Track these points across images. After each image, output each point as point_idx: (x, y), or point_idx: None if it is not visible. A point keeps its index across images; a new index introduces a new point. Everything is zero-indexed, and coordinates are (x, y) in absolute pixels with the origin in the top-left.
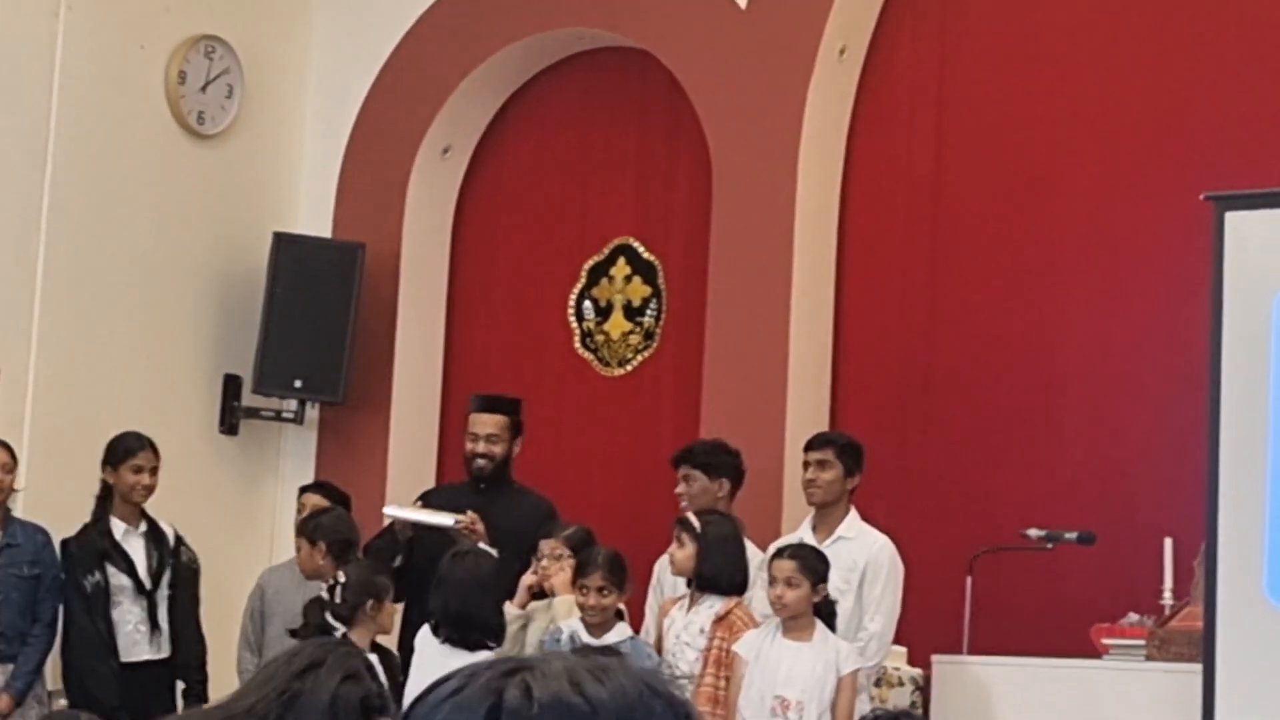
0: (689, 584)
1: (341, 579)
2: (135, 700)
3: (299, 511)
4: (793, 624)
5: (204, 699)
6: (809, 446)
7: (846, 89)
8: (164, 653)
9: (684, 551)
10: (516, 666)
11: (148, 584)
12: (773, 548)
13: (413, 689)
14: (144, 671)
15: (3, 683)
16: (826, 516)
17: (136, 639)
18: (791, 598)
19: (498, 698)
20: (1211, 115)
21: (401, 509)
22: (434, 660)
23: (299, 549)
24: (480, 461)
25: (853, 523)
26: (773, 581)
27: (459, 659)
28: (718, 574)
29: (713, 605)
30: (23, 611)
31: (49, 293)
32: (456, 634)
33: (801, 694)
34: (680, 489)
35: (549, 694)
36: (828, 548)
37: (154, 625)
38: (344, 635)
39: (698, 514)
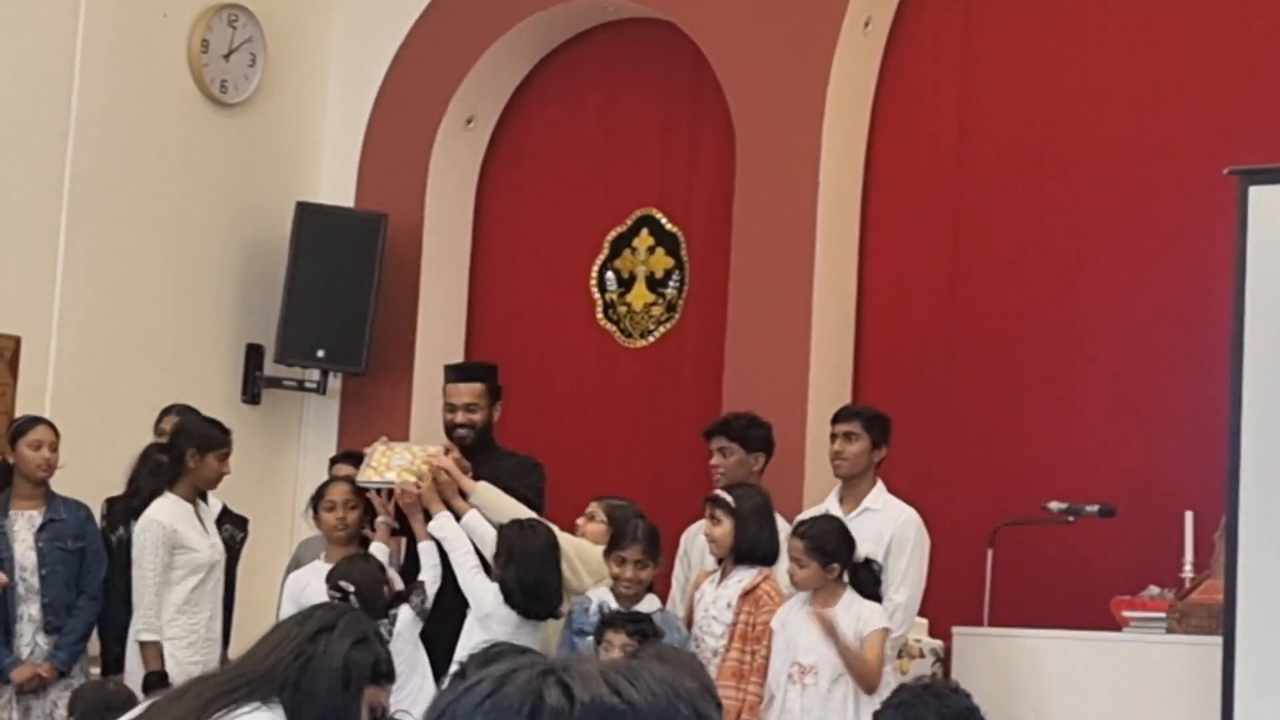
0: (719, 560)
1: (349, 588)
2: None
3: (328, 484)
4: (816, 596)
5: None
6: (836, 419)
7: (871, 61)
8: None
9: (722, 528)
10: (550, 667)
11: None
12: (798, 520)
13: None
14: None
15: (48, 653)
16: (853, 488)
17: None
18: (800, 576)
19: (538, 698)
20: (1237, 89)
21: (371, 474)
22: (503, 630)
23: (355, 506)
24: (461, 431)
25: (879, 494)
26: (790, 558)
27: (527, 630)
28: (754, 545)
29: (741, 579)
30: (68, 584)
31: (71, 262)
32: (527, 605)
33: (817, 659)
34: (716, 461)
35: (589, 695)
36: (854, 519)
37: None
38: None
39: (727, 489)
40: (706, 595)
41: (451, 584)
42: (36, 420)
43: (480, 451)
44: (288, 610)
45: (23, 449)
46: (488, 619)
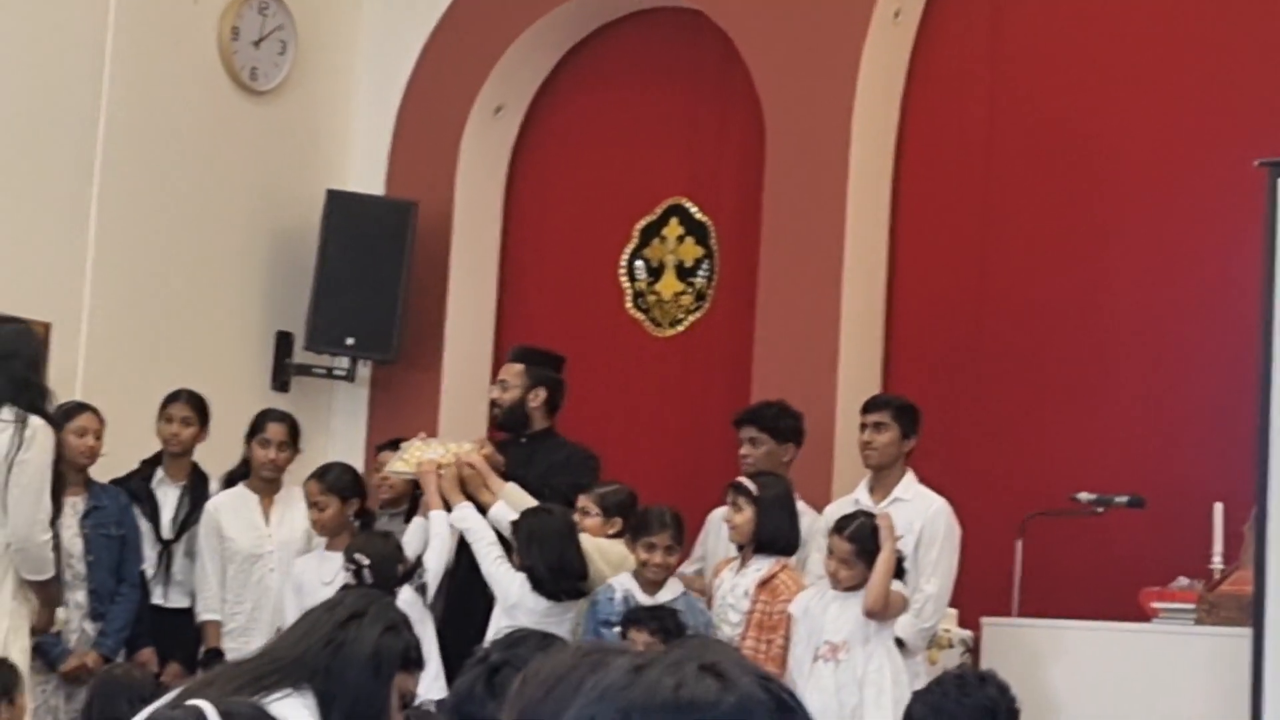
0: (739, 547)
1: (364, 561)
2: (165, 641)
3: (376, 470)
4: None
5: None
6: (866, 409)
7: (901, 51)
8: (173, 603)
9: (742, 515)
10: (686, 655)
11: (168, 534)
12: (832, 509)
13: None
14: (164, 616)
15: (94, 640)
16: (883, 478)
17: (152, 585)
18: (845, 576)
19: (689, 690)
20: (1267, 80)
21: (402, 465)
22: (530, 619)
23: (325, 506)
24: (493, 409)
25: (909, 484)
26: (831, 553)
27: (554, 617)
28: (775, 535)
29: (759, 569)
30: (111, 571)
31: (102, 249)
32: (555, 586)
33: (846, 634)
34: (746, 451)
35: (740, 685)
36: (884, 509)
37: (167, 574)
38: None
39: (750, 476)
40: (725, 583)
41: (469, 571)
42: (82, 407)
43: (536, 439)
44: (289, 597)
45: (67, 436)
46: (514, 609)
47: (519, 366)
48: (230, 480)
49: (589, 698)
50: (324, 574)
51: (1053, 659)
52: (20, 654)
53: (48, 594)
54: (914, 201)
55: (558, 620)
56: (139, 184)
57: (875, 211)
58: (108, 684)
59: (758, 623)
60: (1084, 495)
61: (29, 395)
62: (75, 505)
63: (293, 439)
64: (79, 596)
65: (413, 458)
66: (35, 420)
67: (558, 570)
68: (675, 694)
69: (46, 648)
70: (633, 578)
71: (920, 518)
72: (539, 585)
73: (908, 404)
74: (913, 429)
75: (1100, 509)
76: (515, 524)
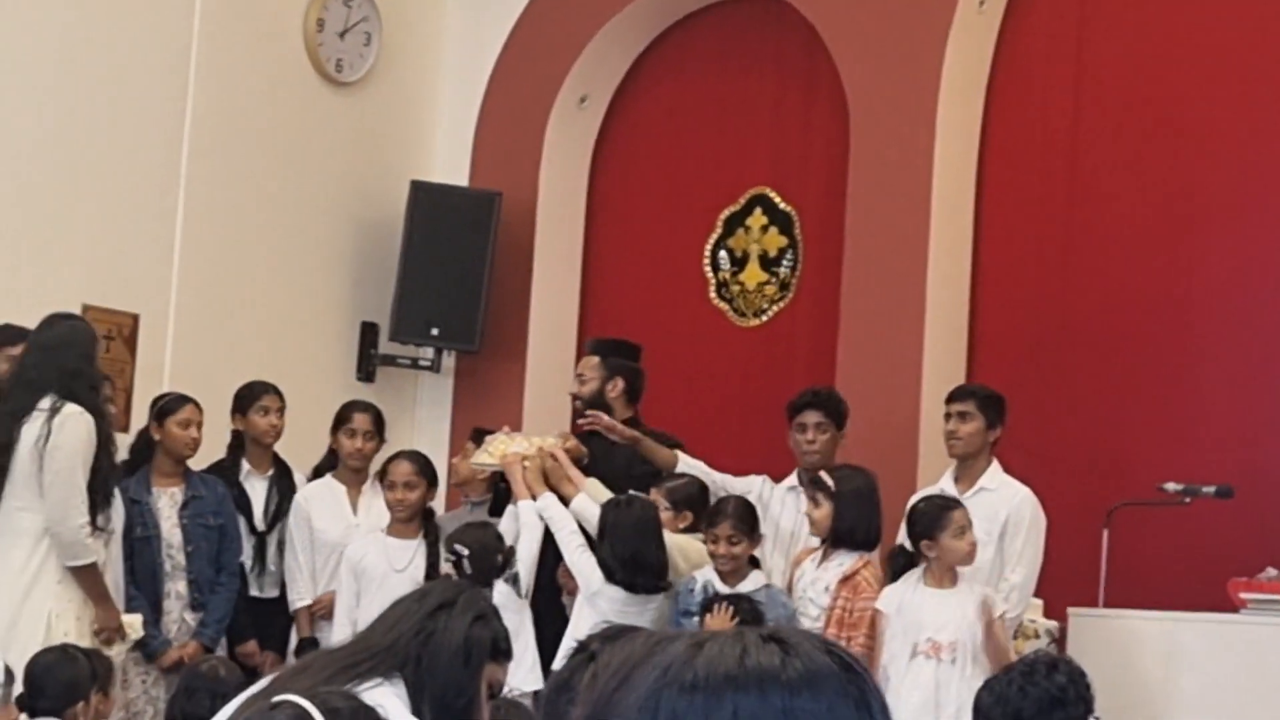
0: (821, 541)
1: (464, 551)
2: (260, 631)
3: (465, 456)
4: (933, 574)
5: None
6: (950, 398)
7: (986, 39)
8: (267, 593)
9: (821, 511)
10: (747, 629)
11: (261, 525)
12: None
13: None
14: (259, 606)
15: (194, 630)
16: (968, 468)
17: (248, 577)
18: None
19: (753, 658)
20: None
21: (486, 458)
22: (611, 608)
23: (416, 487)
24: (575, 404)
25: (995, 474)
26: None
27: (635, 607)
28: (851, 529)
29: (841, 564)
30: (211, 561)
31: (188, 241)
32: (629, 578)
33: (955, 635)
34: (810, 436)
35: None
36: (969, 499)
37: (262, 565)
38: None
39: (830, 471)
40: (806, 574)
41: (556, 563)
42: (185, 399)
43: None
44: (345, 580)
45: (171, 427)
46: (595, 597)
47: (595, 359)
48: (317, 472)
49: (652, 677)
50: (395, 560)
51: (1139, 649)
52: (64, 637)
53: (89, 583)
54: (999, 189)
55: (638, 611)
56: (225, 176)
57: (960, 199)
58: (192, 679)
59: (838, 619)
60: (1171, 485)
61: (72, 385)
62: (174, 496)
63: (378, 429)
64: (179, 587)
65: (497, 450)
66: (70, 408)
67: (630, 563)
68: (740, 663)
69: (147, 639)
70: (713, 571)
71: (1006, 507)
72: (610, 576)
73: (993, 394)
74: (998, 418)
75: (1188, 499)
76: (601, 511)
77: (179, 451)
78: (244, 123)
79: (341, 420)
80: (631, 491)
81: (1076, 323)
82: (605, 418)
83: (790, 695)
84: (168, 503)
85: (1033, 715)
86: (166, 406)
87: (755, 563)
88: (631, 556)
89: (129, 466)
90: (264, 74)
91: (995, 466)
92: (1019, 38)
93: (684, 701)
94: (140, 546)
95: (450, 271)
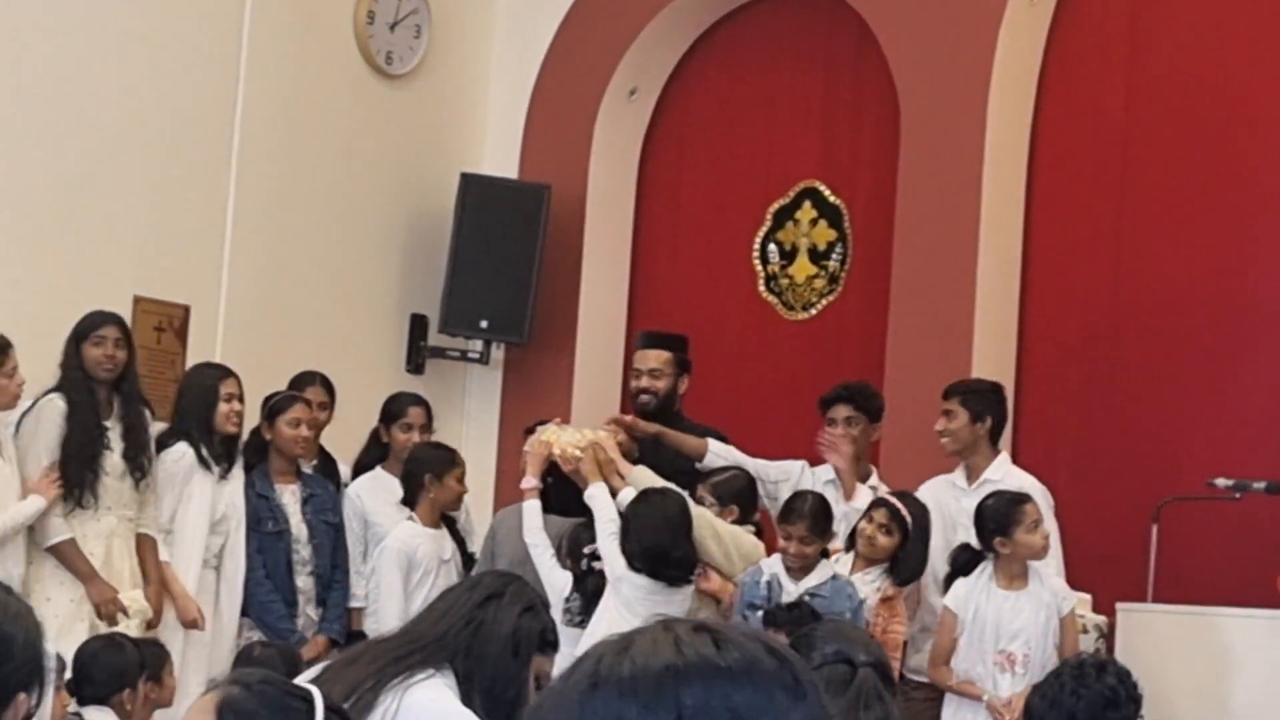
0: (848, 548)
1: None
2: None
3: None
4: (1004, 571)
5: None
6: (942, 398)
7: (1037, 34)
8: None
9: (892, 540)
10: (674, 622)
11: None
12: (925, 491)
13: (607, 624)
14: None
15: (320, 625)
16: (972, 463)
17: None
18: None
19: (689, 648)
20: None
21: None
22: (636, 595)
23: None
24: (644, 397)
25: (1000, 465)
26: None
27: (660, 596)
28: (915, 569)
29: (879, 585)
30: (329, 556)
31: (239, 232)
32: (650, 568)
33: (1027, 646)
34: (842, 431)
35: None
36: (975, 492)
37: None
38: None
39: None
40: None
41: None
42: (294, 398)
43: (664, 422)
44: (388, 571)
45: (282, 427)
46: (619, 582)
47: (667, 354)
48: (361, 464)
49: (584, 691)
50: (443, 551)
51: (1188, 645)
52: (55, 619)
53: (68, 561)
54: (1050, 184)
55: (665, 600)
56: (275, 168)
57: (1011, 194)
58: (244, 664)
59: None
60: (1221, 481)
61: (63, 371)
62: (295, 492)
63: (429, 422)
64: (305, 583)
65: (548, 440)
66: (44, 399)
67: (649, 555)
68: (678, 652)
69: (284, 636)
70: (780, 561)
71: None
72: (631, 563)
73: (979, 386)
74: (986, 410)
75: (1238, 495)
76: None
77: (290, 451)
78: (294, 115)
79: (395, 414)
80: (666, 484)
81: (1127, 318)
82: (625, 417)
83: (733, 686)
84: (289, 499)
85: (1087, 718)
86: (276, 406)
87: (824, 553)
88: (651, 548)
89: (246, 465)
90: (314, 67)
91: (1002, 458)
92: (1070, 31)
93: (623, 702)
94: (270, 541)
95: (500, 264)
